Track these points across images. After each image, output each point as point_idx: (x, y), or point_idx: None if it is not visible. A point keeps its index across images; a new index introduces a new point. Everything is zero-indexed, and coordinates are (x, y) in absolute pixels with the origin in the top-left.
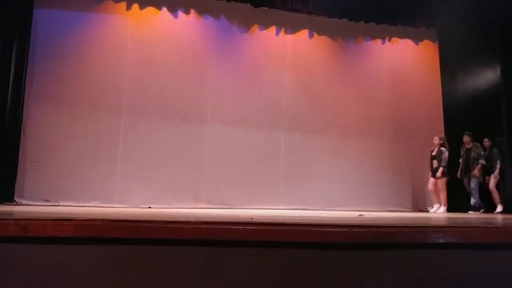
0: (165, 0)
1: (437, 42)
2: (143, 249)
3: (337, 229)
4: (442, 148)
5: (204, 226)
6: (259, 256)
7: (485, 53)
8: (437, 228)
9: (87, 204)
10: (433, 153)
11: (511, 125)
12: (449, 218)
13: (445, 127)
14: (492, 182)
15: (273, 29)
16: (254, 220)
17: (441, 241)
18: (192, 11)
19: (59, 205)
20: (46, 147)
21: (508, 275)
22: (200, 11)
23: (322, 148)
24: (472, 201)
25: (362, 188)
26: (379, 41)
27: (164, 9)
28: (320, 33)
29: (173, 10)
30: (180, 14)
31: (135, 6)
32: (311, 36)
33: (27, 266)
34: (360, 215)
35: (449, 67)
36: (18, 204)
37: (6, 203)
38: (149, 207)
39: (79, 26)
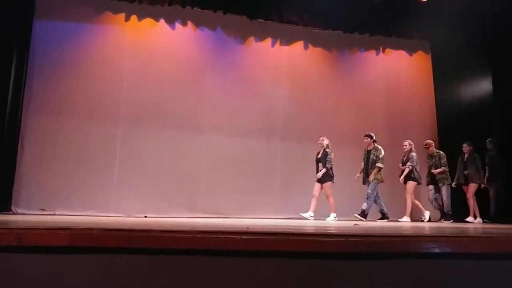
0: (162, 12)
1: (430, 53)
2: (139, 259)
3: (333, 239)
4: (328, 150)
5: (199, 236)
6: (255, 265)
7: (477, 63)
8: (432, 238)
9: (83, 213)
10: (318, 156)
11: (502, 133)
12: (443, 228)
13: (438, 135)
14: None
15: (268, 41)
16: (249, 230)
17: (436, 250)
18: (189, 23)
19: (55, 214)
20: (43, 156)
21: (503, 285)
22: (197, 23)
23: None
24: (364, 205)
25: (358, 197)
26: (373, 52)
27: (162, 21)
28: (315, 44)
29: (170, 22)
30: (178, 25)
31: (134, 17)
32: (306, 47)
33: (22, 275)
34: (356, 224)
35: (442, 77)
36: (14, 214)
37: (3, 212)
38: (145, 217)
39: (77, 37)
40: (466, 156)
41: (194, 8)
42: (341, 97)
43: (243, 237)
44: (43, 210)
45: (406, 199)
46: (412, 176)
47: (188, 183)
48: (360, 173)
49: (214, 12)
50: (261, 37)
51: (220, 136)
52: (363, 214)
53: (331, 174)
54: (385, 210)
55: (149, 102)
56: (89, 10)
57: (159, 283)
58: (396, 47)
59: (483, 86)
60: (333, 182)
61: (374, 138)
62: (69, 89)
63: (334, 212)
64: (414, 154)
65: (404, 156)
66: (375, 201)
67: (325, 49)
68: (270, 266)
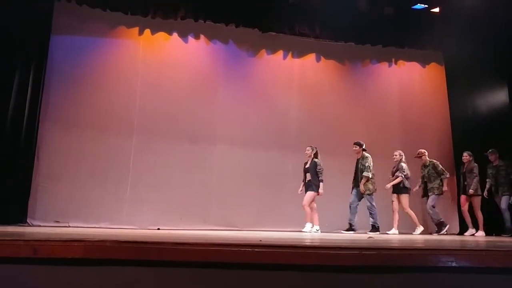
0: (176, 26)
1: (444, 65)
2: (152, 271)
3: (347, 252)
4: (316, 160)
5: (212, 248)
6: (268, 278)
7: (492, 73)
8: (449, 251)
9: (97, 226)
10: (306, 166)
11: None
12: (460, 241)
13: (453, 147)
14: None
15: (280, 54)
16: (262, 242)
17: (453, 264)
18: (202, 36)
19: (69, 226)
20: (58, 169)
21: None
22: (210, 37)
23: (330, 169)
24: (371, 220)
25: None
26: (385, 64)
27: (175, 35)
28: (327, 56)
29: (183, 35)
30: (190, 39)
31: (147, 31)
32: (318, 59)
33: (37, 287)
34: (370, 237)
35: (456, 88)
36: (29, 225)
37: (19, 224)
38: (158, 229)
39: (92, 51)
40: (465, 166)
41: (206, 22)
42: (353, 109)
43: (256, 250)
44: (57, 222)
45: (406, 212)
46: (405, 187)
47: (200, 195)
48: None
49: (226, 26)
50: (273, 50)
51: (233, 148)
52: (374, 229)
53: (318, 185)
54: (354, 222)
55: (162, 115)
56: (103, 24)
57: None
58: (409, 59)
59: (499, 97)
60: (318, 194)
61: (363, 146)
62: (84, 102)
63: (310, 222)
64: (404, 164)
65: (394, 167)
66: (351, 209)
67: (337, 61)
68: (283, 279)
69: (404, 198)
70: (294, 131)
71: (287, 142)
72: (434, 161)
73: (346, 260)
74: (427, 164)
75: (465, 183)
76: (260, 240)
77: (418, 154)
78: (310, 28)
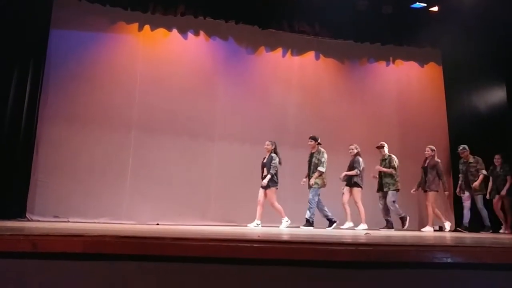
0: (175, 22)
1: (442, 64)
2: (151, 266)
3: (343, 247)
4: (273, 154)
5: (211, 243)
6: (265, 274)
7: (490, 72)
8: (445, 248)
9: (96, 221)
10: (264, 160)
11: None
12: (456, 238)
13: (450, 146)
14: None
15: (280, 51)
16: (260, 238)
17: (449, 260)
18: (202, 32)
19: (68, 221)
20: (57, 164)
21: None
22: (209, 33)
23: (328, 166)
24: (307, 214)
25: (369, 207)
26: (384, 63)
27: (174, 31)
28: (326, 55)
29: (183, 31)
30: (190, 35)
31: (147, 27)
32: (317, 58)
33: (36, 281)
34: (367, 233)
35: (454, 87)
36: (29, 220)
37: (18, 219)
38: (157, 224)
39: (92, 46)
40: (427, 161)
41: (206, 18)
42: (352, 107)
43: (254, 245)
44: (56, 217)
45: (357, 207)
46: (358, 182)
47: (199, 191)
48: (306, 177)
49: (226, 22)
50: (272, 47)
51: (232, 145)
52: (309, 223)
53: (275, 180)
54: (330, 215)
55: (162, 111)
56: (103, 20)
57: None
58: (407, 58)
59: (497, 95)
60: (277, 189)
61: (318, 140)
62: (83, 97)
63: (284, 216)
64: (360, 158)
65: (351, 161)
66: (317, 207)
67: (336, 59)
68: (281, 274)
69: (357, 192)
70: (292, 128)
71: (285, 139)
72: (392, 155)
73: (343, 255)
74: (385, 157)
75: (426, 178)
76: (258, 236)
77: (381, 145)
78: (309, 25)
